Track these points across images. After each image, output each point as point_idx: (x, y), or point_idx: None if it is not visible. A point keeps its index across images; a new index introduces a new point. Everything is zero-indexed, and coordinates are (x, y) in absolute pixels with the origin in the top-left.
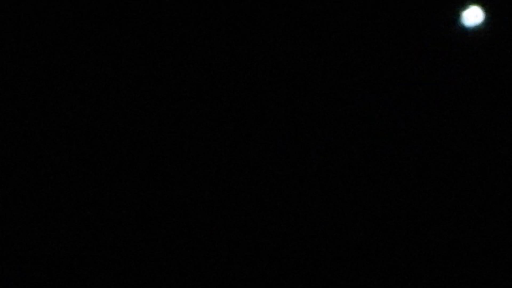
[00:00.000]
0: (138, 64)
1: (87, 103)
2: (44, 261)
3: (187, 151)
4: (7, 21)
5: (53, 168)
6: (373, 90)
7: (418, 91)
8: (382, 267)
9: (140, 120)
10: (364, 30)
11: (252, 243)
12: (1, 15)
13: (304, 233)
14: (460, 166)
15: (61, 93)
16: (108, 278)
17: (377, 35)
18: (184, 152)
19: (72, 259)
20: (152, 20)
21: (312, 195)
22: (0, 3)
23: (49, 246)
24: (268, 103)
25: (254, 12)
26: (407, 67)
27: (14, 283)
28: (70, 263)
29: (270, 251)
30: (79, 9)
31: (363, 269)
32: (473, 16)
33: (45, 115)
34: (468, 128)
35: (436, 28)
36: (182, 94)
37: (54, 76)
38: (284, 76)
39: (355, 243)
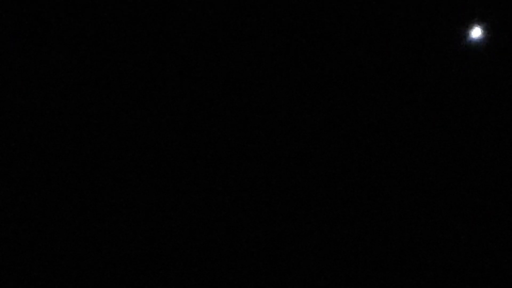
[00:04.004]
0: (138, 64)
1: (87, 103)
2: (44, 261)
3: (186, 151)
4: (7, 21)
5: (53, 167)
6: (379, 98)
7: (423, 98)
8: (382, 267)
9: (140, 120)
10: (374, 44)
11: (252, 243)
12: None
13: (304, 233)
14: (460, 172)
15: (61, 93)
16: (108, 278)
17: (387, 46)
18: (184, 152)
19: (72, 259)
20: (152, 20)
21: (312, 195)
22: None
23: (49, 246)
24: (268, 103)
25: (253, 12)
26: (414, 78)
27: (14, 283)
28: (70, 263)
29: (269, 251)
30: (79, 9)
31: (363, 269)
32: (478, 31)
33: (45, 115)
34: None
35: (443, 41)
36: (182, 94)
37: (54, 76)
38: (284, 76)
39: (355, 243)
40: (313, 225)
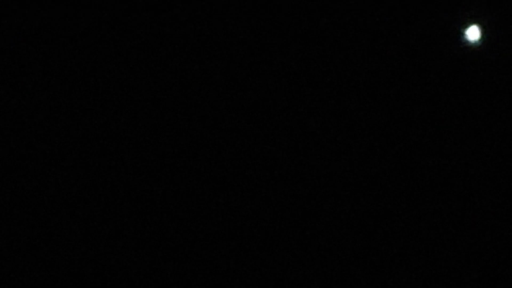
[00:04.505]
0: (138, 64)
1: (87, 103)
2: (44, 261)
3: (186, 151)
4: (7, 21)
5: (53, 168)
6: (376, 104)
7: (420, 103)
8: (382, 267)
9: (140, 120)
10: (370, 45)
11: (252, 243)
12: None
13: (304, 233)
14: (460, 176)
15: (61, 93)
16: (108, 278)
17: (381, 49)
18: (184, 152)
19: (72, 259)
20: (152, 20)
21: (312, 195)
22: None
23: (49, 246)
24: (268, 103)
25: (253, 12)
26: (410, 81)
27: (14, 283)
28: (70, 263)
29: (270, 251)
30: (79, 9)
31: (363, 269)
32: (474, 33)
33: (45, 115)
34: (469, 142)
35: (439, 44)
36: (181, 94)
37: (54, 76)
38: (284, 76)
39: (355, 243)
40: (313, 226)
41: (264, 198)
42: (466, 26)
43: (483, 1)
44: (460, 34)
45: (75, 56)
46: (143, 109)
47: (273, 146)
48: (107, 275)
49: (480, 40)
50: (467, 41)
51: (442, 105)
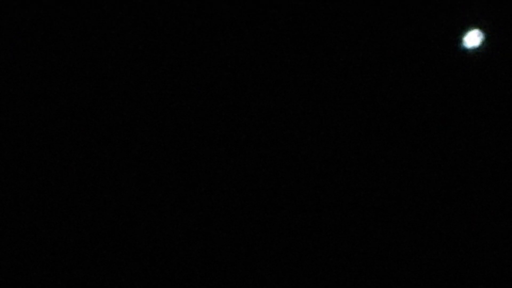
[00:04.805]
0: (138, 64)
1: (87, 103)
2: (44, 261)
3: (186, 151)
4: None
5: (53, 168)
6: (375, 111)
7: (419, 111)
8: (382, 267)
9: (140, 120)
10: (368, 50)
11: (252, 243)
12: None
13: (304, 233)
14: (459, 184)
15: (61, 93)
16: (108, 278)
17: (379, 57)
18: (184, 152)
19: (72, 259)
20: (152, 20)
21: (312, 195)
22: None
23: (49, 246)
24: (267, 104)
25: (253, 12)
26: (408, 89)
27: (14, 283)
28: (70, 263)
29: (270, 251)
30: (79, 9)
31: (363, 269)
32: (473, 39)
33: (45, 115)
34: (468, 146)
35: (437, 50)
36: (181, 94)
37: (54, 77)
38: (284, 77)
39: (355, 243)
40: (313, 225)
41: (264, 198)
42: (466, 30)
43: (483, 5)
44: (460, 39)
45: (75, 56)
46: (142, 109)
47: (273, 146)
48: (107, 275)
49: (479, 44)
50: (466, 46)
51: (441, 108)
